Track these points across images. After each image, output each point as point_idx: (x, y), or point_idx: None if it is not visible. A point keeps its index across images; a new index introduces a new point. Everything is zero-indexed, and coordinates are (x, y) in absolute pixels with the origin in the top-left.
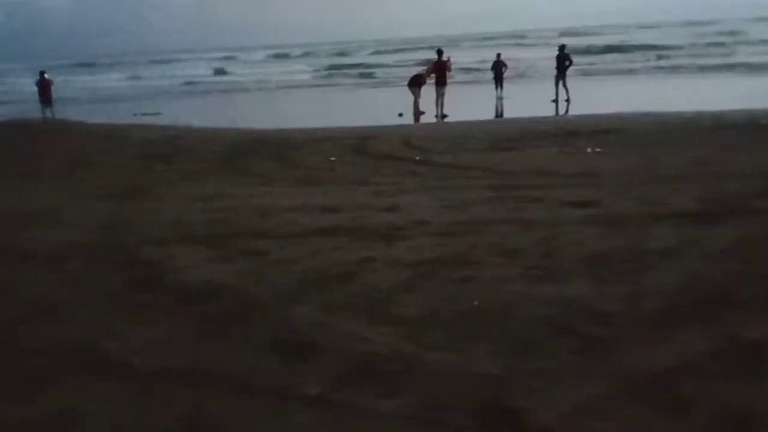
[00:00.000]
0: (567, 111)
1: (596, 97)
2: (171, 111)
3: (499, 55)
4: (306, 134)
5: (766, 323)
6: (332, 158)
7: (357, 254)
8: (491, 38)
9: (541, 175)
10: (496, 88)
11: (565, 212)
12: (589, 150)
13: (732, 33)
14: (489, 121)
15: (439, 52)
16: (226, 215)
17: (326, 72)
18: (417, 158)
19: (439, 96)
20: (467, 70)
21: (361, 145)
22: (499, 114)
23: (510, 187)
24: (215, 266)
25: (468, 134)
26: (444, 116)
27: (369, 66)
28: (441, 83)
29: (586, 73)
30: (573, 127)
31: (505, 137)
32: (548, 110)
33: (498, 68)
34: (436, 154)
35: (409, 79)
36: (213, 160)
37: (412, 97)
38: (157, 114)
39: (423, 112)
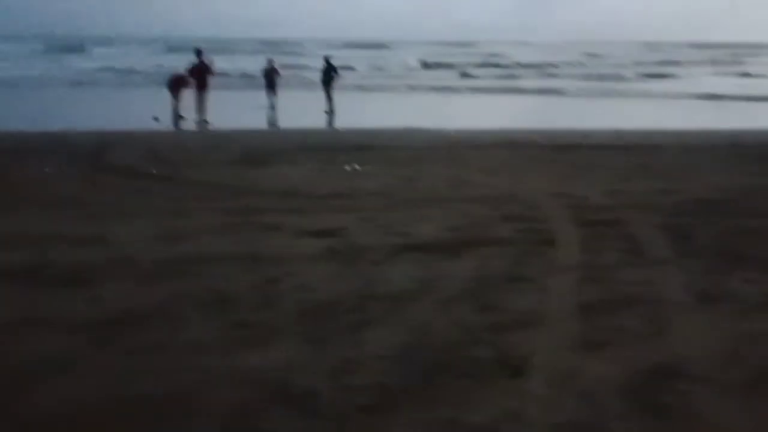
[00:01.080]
0: (332, 123)
1: (370, 110)
2: None
3: (271, 61)
4: (30, 139)
5: (487, 401)
6: (46, 169)
7: (8, 311)
8: (267, 44)
9: (289, 197)
10: (268, 96)
11: (302, 244)
12: (348, 168)
13: (497, 55)
14: (255, 131)
15: (198, 53)
16: None
17: (75, 68)
18: (154, 172)
19: (200, 101)
20: (241, 75)
21: (96, 154)
22: (270, 123)
23: (249, 211)
24: None
25: (226, 144)
26: (205, 123)
27: (127, 64)
28: (202, 87)
29: (364, 87)
30: (339, 142)
31: (266, 150)
32: (321, 121)
33: (270, 75)
34: (179, 168)
35: (168, 80)
36: None
37: (172, 101)
38: None
39: (183, 118)
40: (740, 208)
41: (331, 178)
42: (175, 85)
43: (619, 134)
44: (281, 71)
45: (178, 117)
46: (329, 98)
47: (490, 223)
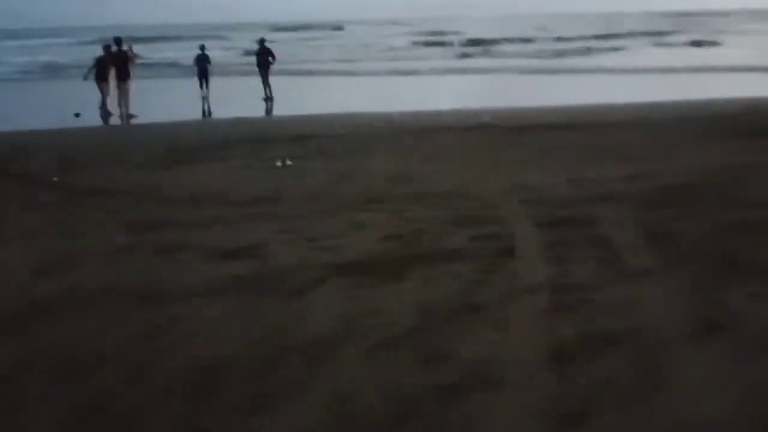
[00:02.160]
0: (271, 111)
1: (309, 95)
2: None
3: (202, 47)
4: None
5: None
6: None
7: None
8: (194, 30)
9: (206, 203)
10: (201, 85)
11: (207, 271)
12: (279, 163)
13: (443, 32)
14: (184, 123)
15: (118, 41)
16: None
17: None
18: (56, 180)
19: (122, 93)
20: (170, 64)
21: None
22: (205, 114)
23: (155, 225)
24: None
25: (149, 141)
26: (130, 116)
27: (50, 57)
28: (123, 77)
29: (298, 71)
30: (274, 132)
31: (191, 145)
32: (258, 109)
33: (202, 63)
34: (87, 173)
35: (94, 70)
36: None
37: (99, 93)
38: None
39: (111, 113)
40: (727, 195)
41: (258, 177)
42: (101, 74)
43: (575, 112)
44: (212, 58)
45: (106, 112)
46: (266, 84)
47: (437, 228)
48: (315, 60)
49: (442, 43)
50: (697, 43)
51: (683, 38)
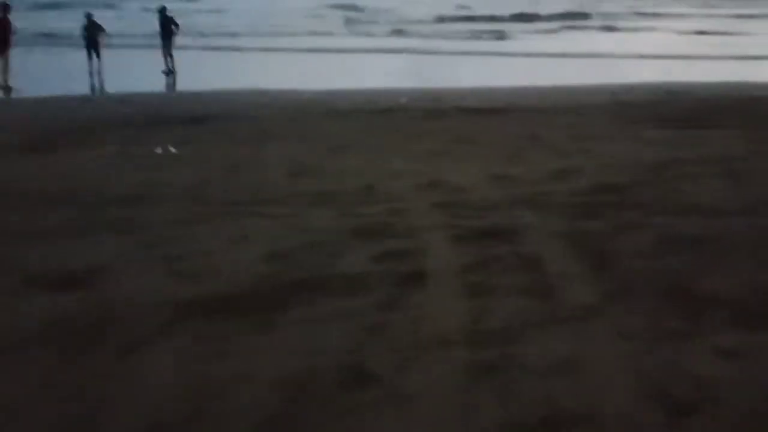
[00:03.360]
0: (173, 86)
1: (216, 70)
2: None
3: (90, 15)
4: None
5: None
6: None
7: None
8: None
9: (57, 205)
10: (90, 57)
11: (19, 309)
12: (159, 150)
13: (359, 8)
14: (69, 99)
15: (5, 7)
16: None
17: None
18: None
19: (1, 64)
20: (54, 34)
21: None
22: (95, 90)
23: None
24: None
25: (18, 120)
26: (8, 89)
27: None
28: (3, 46)
29: (206, 45)
30: (168, 112)
31: (65, 126)
32: (159, 84)
33: (92, 32)
34: None
35: None
36: None
37: None
38: None
39: (3, 86)
40: (666, 199)
41: (131, 169)
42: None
43: (498, 95)
44: (105, 27)
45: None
46: (169, 56)
47: (334, 242)
48: (222, 32)
49: (366, 21)
50: (612, 28)
51: (600, 22)
